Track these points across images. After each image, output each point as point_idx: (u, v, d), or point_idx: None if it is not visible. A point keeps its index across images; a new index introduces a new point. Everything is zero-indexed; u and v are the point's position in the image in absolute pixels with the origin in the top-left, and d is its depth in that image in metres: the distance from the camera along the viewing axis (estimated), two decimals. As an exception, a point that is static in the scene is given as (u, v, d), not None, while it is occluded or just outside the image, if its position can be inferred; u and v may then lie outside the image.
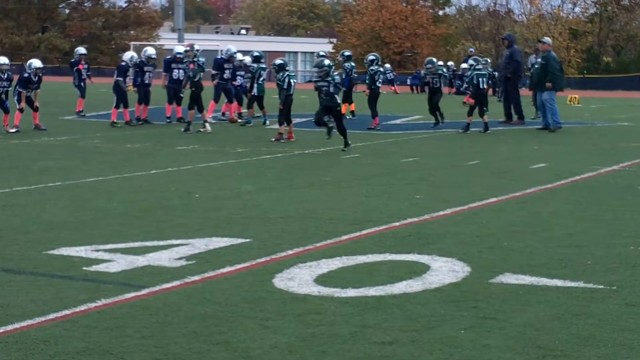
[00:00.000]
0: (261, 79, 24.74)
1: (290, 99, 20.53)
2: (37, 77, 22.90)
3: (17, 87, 22.73)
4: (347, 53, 29.15)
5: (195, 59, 22.80)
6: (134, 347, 5.89)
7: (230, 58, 26.02)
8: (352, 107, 27.73)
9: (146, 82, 25.41)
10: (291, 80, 20.60)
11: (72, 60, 29.00)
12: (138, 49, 34.30)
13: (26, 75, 22.80)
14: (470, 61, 23.61)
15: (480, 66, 23.25)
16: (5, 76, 22.16)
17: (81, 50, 29.10)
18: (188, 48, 23.52)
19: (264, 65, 25.14)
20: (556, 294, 7.26)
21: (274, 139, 20.22)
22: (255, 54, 25.33)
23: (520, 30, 74.63)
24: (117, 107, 24.56)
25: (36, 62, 23.19)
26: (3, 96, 22.09)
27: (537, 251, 8.87)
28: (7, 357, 5.72)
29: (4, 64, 22.30)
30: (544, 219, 10.70)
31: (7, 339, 6.04)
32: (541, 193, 12.93)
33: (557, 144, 20.39)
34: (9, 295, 7.11)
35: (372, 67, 24.04)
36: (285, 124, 20.43)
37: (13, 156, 17.18)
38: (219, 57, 26.88)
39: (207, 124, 22.77)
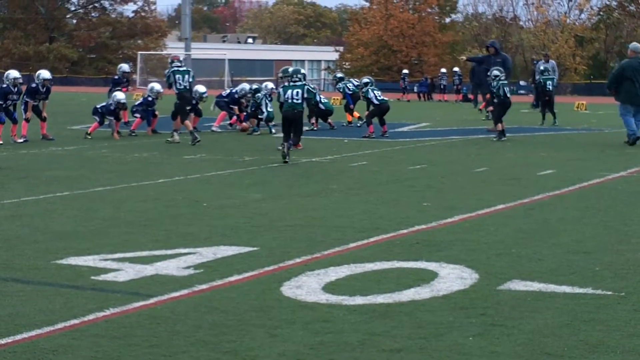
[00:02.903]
0: (269, 107, 24.85)
1: None
2: (45, 88, 22.93)
3: (25, 97, 22.81)
4: (339, 75, 31.66)
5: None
6: (142, 356, 5.90)
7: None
8: (356, 114, 27.95)
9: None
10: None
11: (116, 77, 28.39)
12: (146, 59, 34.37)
13: (34, 85, 22.84)
14: (495, 72, 23.55)
15: (503, 77, 23.31)
16: (16, 89, 22.25)
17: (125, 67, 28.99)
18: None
19: (265, 92, 25.18)
20: (564, 300, 7.25)
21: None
22: (254, 86, 25.55)
23: (527, 37, 74.65)
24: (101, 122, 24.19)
25: (45, 73, 23.21)
26: (11, 108, 22.16)
27: (546, 257, 8.85)
28: (15, 367, 5.73)
29: (18, 78, 22.36)
30: (552, 226, 10.69)
31: (15, 349, 6.04)
32: (549, 199, 12.92)
33: (565, 151, 20.38)
34: (17, 305, 7.12)
35: (364, 89, 24.58)
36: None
37: (21, 166, 17.22)
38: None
39: (175, 134, 22.59)
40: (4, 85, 22.16)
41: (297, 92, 18.30)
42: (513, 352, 5.96)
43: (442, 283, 7.78)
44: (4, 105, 21.89)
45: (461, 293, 7.46)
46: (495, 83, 23.26)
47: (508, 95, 23.28)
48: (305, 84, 18.80)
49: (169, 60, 23.63)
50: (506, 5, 80.00)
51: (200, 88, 24.18)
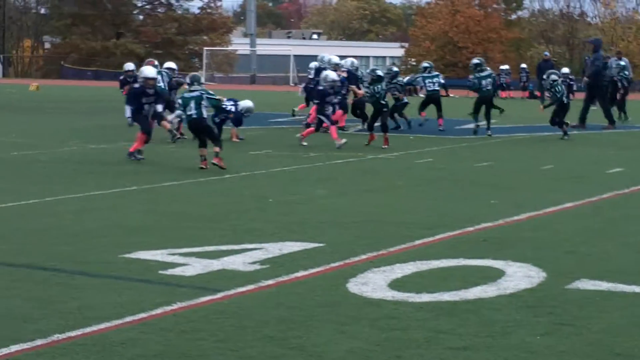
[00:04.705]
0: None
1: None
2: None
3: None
4: (425, 65, 30.15)
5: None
6: (209, 351, 5.94)
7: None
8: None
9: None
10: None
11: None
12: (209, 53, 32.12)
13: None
14: (553, 76, 23.31)
15: (560, 80, 23.06)
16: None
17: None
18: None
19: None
20: (634, 299, 7.17)
21: (384, 146, 19.77)
22: (378, 72, 24.62)
23: (595, 33, 73.77)
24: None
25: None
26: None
27: (614, 257, 8.76)
28: (86, 359, 5.80)
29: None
30: (621, 224, 10.56)
31: (86, 341, 6.13)
32: (618, 198, 12.77)
33: (634, 149, 20.12)
34: (86, 298, 7.22)
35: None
36: (371, 130, 20.22)
37: (90, 161, 17.42)
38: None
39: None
40: None
41: (489, 80, 23.13)
42: (582, 352, 5.90)
43: (508, 281, 7.73)
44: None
45: (528, 292, 7.41)
46: (551, 85, 22.85)
47: (564, 96, 22.78)
48: (492, 72, 23.88)
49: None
50: (573, 1, 79.13)
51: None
